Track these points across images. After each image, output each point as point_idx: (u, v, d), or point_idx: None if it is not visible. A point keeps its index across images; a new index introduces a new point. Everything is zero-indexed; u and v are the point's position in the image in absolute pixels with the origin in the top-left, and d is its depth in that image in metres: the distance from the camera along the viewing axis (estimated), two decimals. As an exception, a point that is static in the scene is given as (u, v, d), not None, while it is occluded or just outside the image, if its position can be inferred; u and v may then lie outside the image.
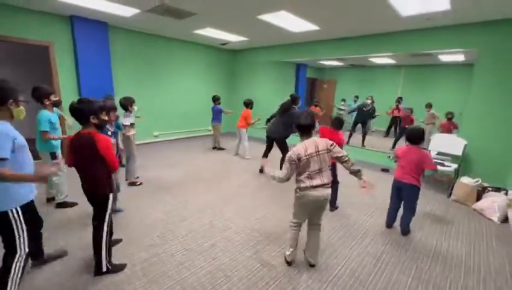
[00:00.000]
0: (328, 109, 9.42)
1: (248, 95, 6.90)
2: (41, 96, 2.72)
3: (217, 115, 5.76)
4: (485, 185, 3.70)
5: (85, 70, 4.87)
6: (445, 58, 7.09)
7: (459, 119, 4.97)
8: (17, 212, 1.59)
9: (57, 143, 2.92)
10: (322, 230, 2.71)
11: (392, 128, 7.89)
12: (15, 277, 1.58)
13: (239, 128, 5.38)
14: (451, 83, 8.18)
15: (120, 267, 2.08)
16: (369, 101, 6.98)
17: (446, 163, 3.98)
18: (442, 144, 4.24)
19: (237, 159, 5.40)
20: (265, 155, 4.47)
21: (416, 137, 2.63)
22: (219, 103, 5.78)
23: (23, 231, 1.62)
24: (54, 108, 2.96)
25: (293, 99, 4.22)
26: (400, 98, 7.73)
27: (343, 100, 9.02)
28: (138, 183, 3.82)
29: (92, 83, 4.94)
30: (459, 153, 3.97)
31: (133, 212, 3.00)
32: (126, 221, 2.80)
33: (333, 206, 3.30)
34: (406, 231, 2.80)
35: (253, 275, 2.09)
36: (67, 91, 4.79)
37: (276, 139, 4.24)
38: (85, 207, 2.76)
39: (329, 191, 2.04)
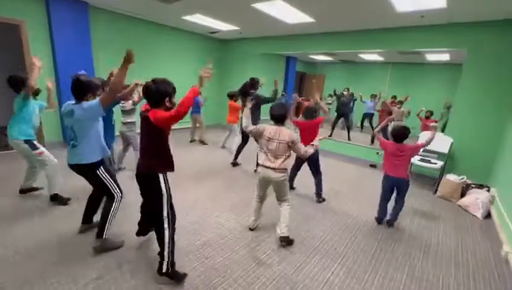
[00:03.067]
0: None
1: (237, 87, 6.71)
2: (19, 84, 2.56)
3: (196, 105, 5.44)
4: (469, 182, 3.83)
5: (62, 54, 4.48)
6: (431, 57, 7.27)
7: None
8: (101, 168, 2.07)
9: (32, 131, 2.68)
10: (317, 226, 2.69)
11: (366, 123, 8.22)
12: (112, 214, 2.11)
13: (229, 123, 5.17)
14: (435, 81, 8.44)
15: (182, 276, 1.89)
16: (345, 93, 7.25)
17: (432, 160, 4.08)
18: (429, 142, 4.33)
19: (224, 153, 5.26)
20: (239, 150, 4.40)
21: (402, 136, 2.73)
22: (200, 93, 5.49)
23: (110, 179, 2.11)
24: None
25: (252, 83, 3.94)
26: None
27: (330, 95, 9.09)
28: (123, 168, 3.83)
29: (71, 67, 4.54)
30: (445, 150, 4.07)
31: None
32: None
33: (319, 198, 3.36)
34: (393, 222, 2.90)
35: (249, 275, 2.01)
36: (42, 75, 4.39)
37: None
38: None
39: (279, 175, 2.26)
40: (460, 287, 2.07)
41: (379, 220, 2.94)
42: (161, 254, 1.82)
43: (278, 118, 2.28)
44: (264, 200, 2.57)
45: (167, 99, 1.72)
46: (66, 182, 3.05)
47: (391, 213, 2.90)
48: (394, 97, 6.71)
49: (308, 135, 3.03)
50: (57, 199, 2.81)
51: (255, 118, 3.99)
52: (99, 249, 2.09)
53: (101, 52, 5.08)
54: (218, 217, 2.81)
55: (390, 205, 2.91)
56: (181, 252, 2.20)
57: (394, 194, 2.88)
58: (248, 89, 3.95)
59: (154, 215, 1.82)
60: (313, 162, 3.25)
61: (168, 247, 1.80)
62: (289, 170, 2.64)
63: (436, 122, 5.88)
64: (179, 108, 1.60)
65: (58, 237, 2.28)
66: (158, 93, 1.67)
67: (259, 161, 2.35)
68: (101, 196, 2.32)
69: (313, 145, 2.31)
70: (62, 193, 2.87)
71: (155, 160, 1.77)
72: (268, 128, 2.29)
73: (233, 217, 2.84)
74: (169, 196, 1.83)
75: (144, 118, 1.70)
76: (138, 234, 2.25)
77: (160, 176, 1.77)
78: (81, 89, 1.94)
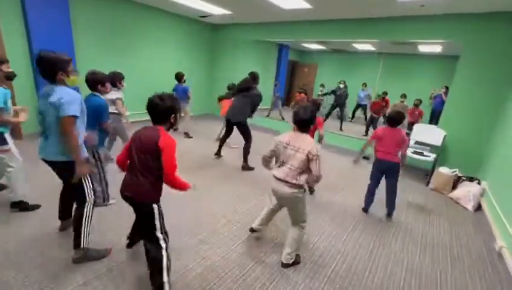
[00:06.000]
0: (309, 93, 9.31)
1: (228, 76, 6.48)
2: None
3: (183, 95, 5.05)
4: (460, 174, 3.89)
5: (38, 36, 4.08)
6: (423, 48, 7.27)
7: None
8: None
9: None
10: (314, 221, 2.63)
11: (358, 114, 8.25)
12: (86, 221, 1.88)
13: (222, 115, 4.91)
14: (426, 72, 8.50)
15: None
16: (342, 86, 7.30)
17: (425, 153, 4.11)
18: (422, 134, 4.35)
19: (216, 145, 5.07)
20: (223, 140, 4.16)
21: (398, 120, 2.77)
22: (184, 81, 5.13)
23: (88, 181, 1.89)
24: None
25: (254, 77, 3.80)
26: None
27: (322, 85, 8.99)
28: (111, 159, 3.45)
29: (48, 49, 4.17)
30: (439, 143, 4.10)
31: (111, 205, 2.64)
32: (101, 214, 2.44)
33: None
34: (392, 212, 2.94)
35: (248, 275, 1.93)
36: (16, 60, 4.02)
37: (237, 123, 3.81)
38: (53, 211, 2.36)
39: (292, 191, 1.86)
40: (457, 282, 2.08)
41: (365, 208, 3.02)
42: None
43: (302, 123, 1.88)
44: (275, 215, 2.29)
45: (172, 116, 1.59)
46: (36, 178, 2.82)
47: (387, 205, 2.93)
48: (385, 93, 6.73)
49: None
50: (21, 206, 2.40)
51: (250, 112, 3.84)
52: (80, 260, 1.87)
53: (81, 35, 4.68)
54: (214, 213, 2.70)
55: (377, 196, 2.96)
56: (176, 252, 2.08)
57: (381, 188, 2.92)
58: (251, 84, 3.73)
59: (146, 237, 1.63)
60: None
61: (168, 275, 1.60)
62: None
63: (421, 114, 6.03)
64: (174, 182, 1.58)
65: (39, 238, 2.10)
66: (166, 111, 1.54)
67: (272, 172, 1.98)
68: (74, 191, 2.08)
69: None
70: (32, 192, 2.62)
71: (152, 187, 1.56)
72: (285, 135, 1.92)
73: (229, 213, 2.73)
74: (162, 216, 1.63)
75: (151, 138, 1.50)
76: (129, 246, 2.06)
77: (154, 205, 1.59)
78: (49, 68, 1.66)
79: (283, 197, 1.94)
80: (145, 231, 1.64)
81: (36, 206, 2.48)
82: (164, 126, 1.58)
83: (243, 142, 3.95)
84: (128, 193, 1.56)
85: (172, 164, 1.52)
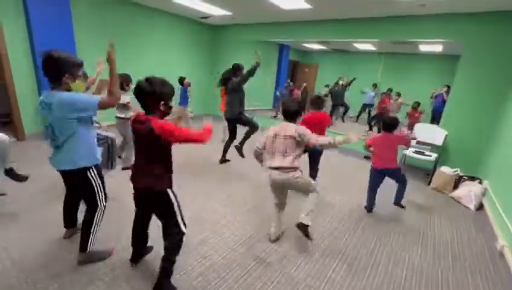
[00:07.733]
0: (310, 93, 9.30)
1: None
2: None
3: (184, 96, 4.96)
4: (461, 174, 3.88)
5: (40, 35, 4.11)
6: (424, 48, 7.26)
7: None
8: (93, 170, 1.77)
9: None
10: (315, 220, 2.70)
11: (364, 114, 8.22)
12: (96, 227, 1.85)
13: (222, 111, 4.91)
14: (427, 72, 8.48)
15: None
16: (340, 82, 7.52)
17: (426, 152, 4.10)
18: (423, 134, 4.34)
19: (218, 146, 5.09)
20: (228, 145, 4.06)
21: (392, 126, 2.82)
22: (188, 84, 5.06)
23: (100, 187, 1.82)
24: None
25: (234, 70, 3.73)
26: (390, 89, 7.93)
27: (327, 86, 8.95)
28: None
29: (50, 48, 4.19)
30: (440, 143, 4.10)
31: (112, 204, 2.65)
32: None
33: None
34: (400, 201, 2.96)
35: (249, 275, 1.94)
36: (18, 58, 4.06)
37: (235, 119, 3.82)
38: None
39: (290, 175, 2.04)
40: (458, 281, 2.08)
41: (369, 208, 3.03)
42: (169, 262, 1.63)
43: (290, 114, 2.11)
44: (284, 208, 2.35)
45: (162, 103, 1.45)
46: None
47: (397, 194, 2.95)
48: (390, 90, 6.72)
49: (314, 131, 2.97)
50: (13, 175, 2.38)
51: (240, 104, 3.77)
52: (84, 263, 1.87)
53: (83, 34, 4.71)
54: (214, 213, 2.71)
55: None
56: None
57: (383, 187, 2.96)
58: (229, 77, 3.76)
59: (167, 226, 1.66)
60: (315, 156, 3.18)
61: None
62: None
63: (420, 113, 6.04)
64: (199, 137, 1.55)
65: (41, 239, 2.12)
66: (152, 95, 1.40)
67: (267, 164, 2.14)
68: (79, 199, 2.06)
69: (332, 138, 2.05)
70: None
71: (163, 175, 1.59)
72: (273, 127, 2.14)
73: (229, 212, 2.74)
74: (179, 203, 1.67)
75: (146, 131, 1.42)
76: (133, 260, 1.91)
77: (169, 190, 1.62)
78: (56, 69, 1.55)
79: (284, 183, 2.09)
80: (166, 223, 1.65)
81: (25, 177, 2.44)
82: (154, 116, 1.45)
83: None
84: (143, 185, 1.56)
85: (181, 134, 1.47)
